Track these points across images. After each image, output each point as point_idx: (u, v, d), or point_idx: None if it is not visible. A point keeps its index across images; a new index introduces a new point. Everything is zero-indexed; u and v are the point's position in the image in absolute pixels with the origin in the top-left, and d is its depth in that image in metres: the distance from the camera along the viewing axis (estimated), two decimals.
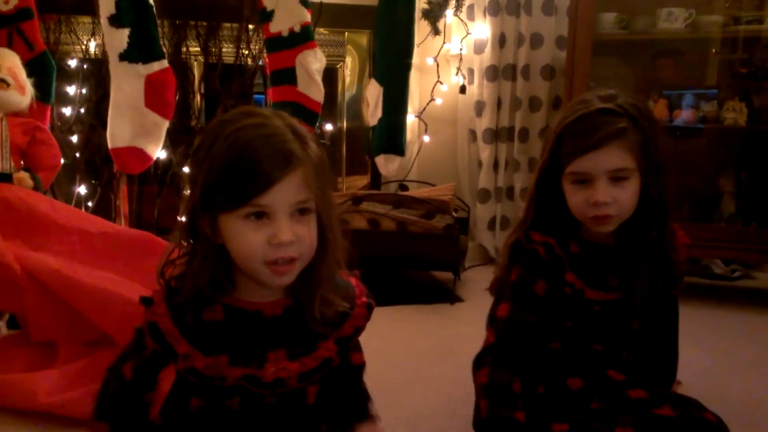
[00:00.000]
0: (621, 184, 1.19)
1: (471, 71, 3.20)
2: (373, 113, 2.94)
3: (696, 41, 2.86)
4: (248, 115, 0.96)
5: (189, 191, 1.00)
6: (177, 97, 2.50)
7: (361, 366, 1.11)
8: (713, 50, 2.89)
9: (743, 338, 2.29)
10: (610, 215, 1.20)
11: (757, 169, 2.79)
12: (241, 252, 0.95)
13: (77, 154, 2.66)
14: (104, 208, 2.64)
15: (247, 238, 0.93)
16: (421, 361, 2.01)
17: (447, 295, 2.69)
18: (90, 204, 2.64)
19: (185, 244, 1.00)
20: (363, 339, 1.08)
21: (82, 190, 2.63)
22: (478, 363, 1.25)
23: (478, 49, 3.16)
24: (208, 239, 0.96)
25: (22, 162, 1.98)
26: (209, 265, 0.97)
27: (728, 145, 2.88)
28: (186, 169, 2.62)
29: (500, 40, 3.13)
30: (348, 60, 3.22)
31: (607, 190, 1.18)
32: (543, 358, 1.28)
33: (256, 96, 2.91)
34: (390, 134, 2.93)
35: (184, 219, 0.99)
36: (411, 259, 2.70)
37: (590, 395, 1.26)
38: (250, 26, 2.80)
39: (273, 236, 0.92)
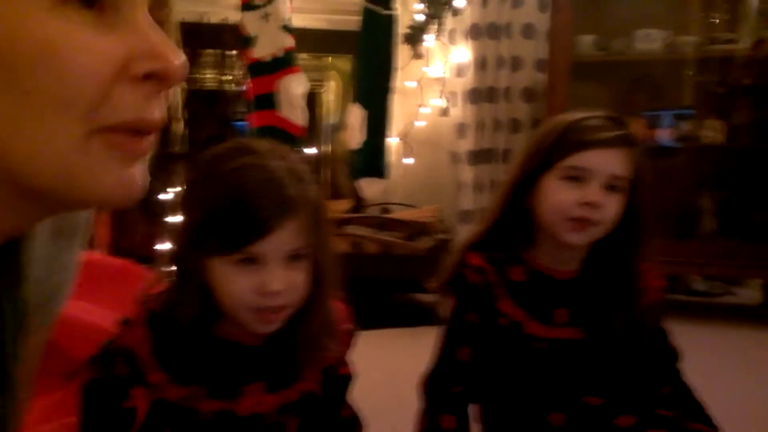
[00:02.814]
0: (612, 193, 1.12)
1: (454, 94, 3.22)
2: (354, 137, 2.95)
3: (673, 62, 2.90)
4: (245, 153, 0.91)
5: (181, 225, 0.95)
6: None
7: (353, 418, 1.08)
8: (690, 71, 2.93)
9: (725, 355, 2.29)
10: (595, 221, 1.11)
11: (736, 185, 2.82)
12: (227, 298, 0.90)
13: None
14: None
15: (235, 284, 0.89)
16: (405, 385, 1.96)
17: (431, 317, 2.68)
18: None
19: (172, 276, 0.96)
20: None
21: None
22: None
23: (460, 72, 3.19)
24: (196, 276, 0.92)
25: None
26: (195, 302, 0.92)
27: (707, 163, 2.91)
28: (164, 197, 2.61)
29: (481, 63, 3.16)
30: (332, 84, 3.24)
31: (601, 193, 1.11)
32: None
33: (236, 123, 2.91)
34: (371, 157, 2.94)
35: (173, 253, 0.95)
36: (395, 281, 2.69)
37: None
38: (232, 52, 2.81)
39: (263, 285, 0.88)
